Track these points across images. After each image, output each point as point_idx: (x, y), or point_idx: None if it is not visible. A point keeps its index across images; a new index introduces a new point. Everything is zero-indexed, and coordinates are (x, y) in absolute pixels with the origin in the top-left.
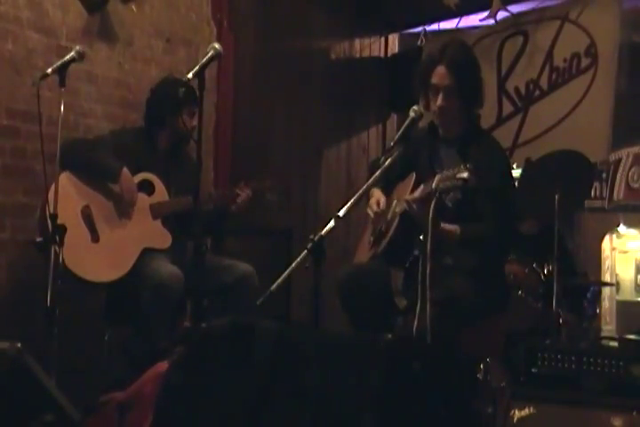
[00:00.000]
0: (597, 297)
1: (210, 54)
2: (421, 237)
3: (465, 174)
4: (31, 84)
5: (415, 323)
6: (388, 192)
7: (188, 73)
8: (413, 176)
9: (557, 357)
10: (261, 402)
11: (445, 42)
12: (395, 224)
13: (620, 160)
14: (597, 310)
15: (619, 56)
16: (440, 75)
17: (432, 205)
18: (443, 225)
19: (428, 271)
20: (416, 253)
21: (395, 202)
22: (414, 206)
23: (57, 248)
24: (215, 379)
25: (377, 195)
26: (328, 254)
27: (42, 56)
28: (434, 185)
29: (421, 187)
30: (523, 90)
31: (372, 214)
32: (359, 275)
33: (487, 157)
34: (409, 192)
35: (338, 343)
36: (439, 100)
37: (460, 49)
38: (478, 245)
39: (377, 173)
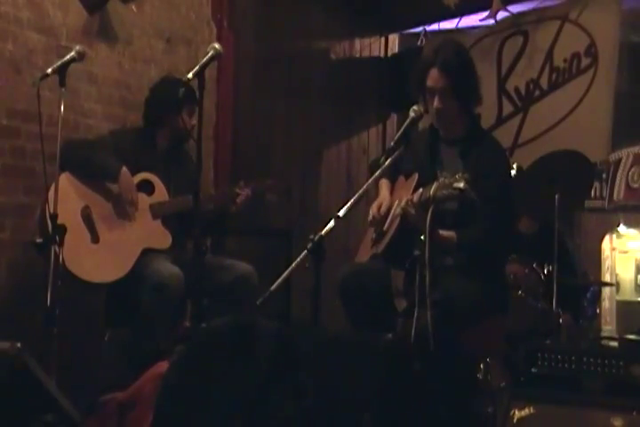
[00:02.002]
0: (597, 297)
1: (210, 54)
2: (422, 238)
3: (461, 184)
4: (31, 84)
5: (414, 323)
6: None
7: (188, 73)
8: (416, 177)
9: (557, 357)
10: (261, 402)
11: (439, 44)
12: (395, 225)
13: (620, 160)
14: (597, 310)
15: (619, 56)
16: (434, 77)
17: (429, 214)
18: (440, 232)
19: (427, 275)
20: (416, 253)
21: (396, 202)
22: (412, 211)
23: (57, 249)
24: (215, 379)
25: (384, 190)
26: (328, 254)
27: (42, 56)
28: (431, 192)
29: (420, 191)
30: (523, 90)
31: (370, 217)
32: (360, 274)
33: (488, 158)
34: (410, 194)
35: (338, 343)
36: (435, 103)
37: (452, 50)
38: (475, 250)
39: (377, 172)
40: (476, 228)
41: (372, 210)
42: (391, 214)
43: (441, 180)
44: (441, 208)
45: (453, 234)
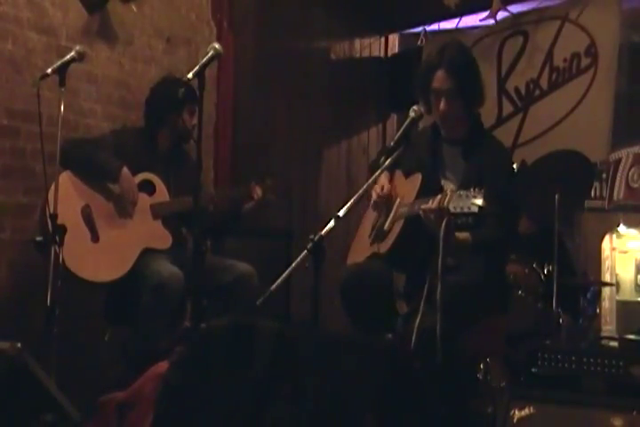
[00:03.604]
0: (597, 297)
1: (210, 54)
2: (427, 244)
3: (480, 201)
4: (31, 84)
5: (416, 323)
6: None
7: (188, 73)
8: (419, 177)
9: (557, 357)
10: (261, 402)
11: (443, 45)
12: (399, 227)
13: (619, 160)
14: (597, 310)
15: (619, 56)
16: (440, 79)
17: (443, 224)
18: (457, 235)
19: (439, 285)
20: (417, 253)
21: (397, 202)
22: (431, 216)
23: (57, 248)
24: (215, 379)
25: (382, 180)
26: (328, 254)
27: (42, 56)
28: (445, 203)
29: (438, 197)
30: (523, 90)
31: (374, 197)
32: (361, 275)
33: (491, 157)
34: (415, 194)
35: (338, 343)
36: (442, 105)
37: (458, 51)
38: (487, 249)
39: (377, 172)
40: (486, 229)
41: (376, 190)
42: (392, 214)
43: (454, 191)
44: (457, 222)
45: (468, 235)
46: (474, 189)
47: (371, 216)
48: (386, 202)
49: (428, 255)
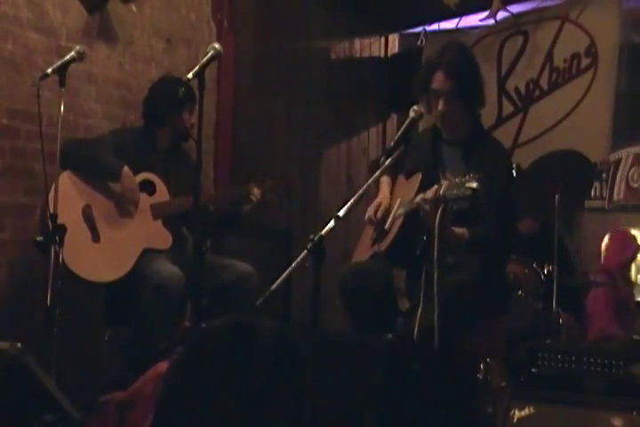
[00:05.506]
0: None
1: (210, 54)
2: (424, 238)
3: (474, 184)
4: (31, 84)
5: (417, 323)
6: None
7: (188, 73)
8: (419, 177)
9: (557, 357)
10: (261, 402)
11: (443, 45)
12: (399, 224)
13: (620, 160)
14: None
15: (619, 56)
16: (439, 80)
17: (439, 212)
18: (453, 229)
19: (435, 274)
20: (418, 252)
21: (398, 201)
22: (427, 207)
23: (57, 248)
24: (215, 379)
25: (384, 188)
26: (328, 254)
27: (42, 56)
28: (441, 192)
29: (434, 188)
30: (523, 90)
31: (366, 217)
32: (361, 274)
33: (490, 158)
34: (414, 193)
35: (338, 343)
36: (440, 106)
37: (457, 52)
38: (484, 247)
39: (377, 172)
40: (485, 227)
41: (369, 211)
42: (392, 213)
43: (451, 179)
44: (453, 207)
45: (465, 231)
46: (468, 175)
47: None
48: (379, 224)
49: (426, 250)
